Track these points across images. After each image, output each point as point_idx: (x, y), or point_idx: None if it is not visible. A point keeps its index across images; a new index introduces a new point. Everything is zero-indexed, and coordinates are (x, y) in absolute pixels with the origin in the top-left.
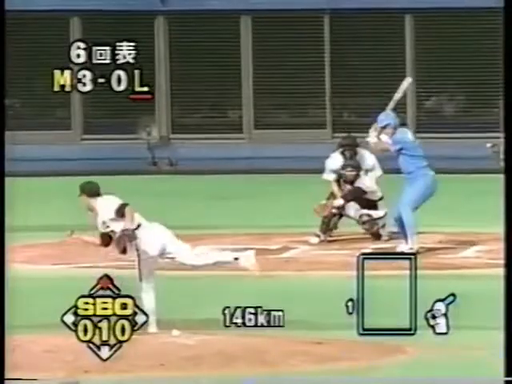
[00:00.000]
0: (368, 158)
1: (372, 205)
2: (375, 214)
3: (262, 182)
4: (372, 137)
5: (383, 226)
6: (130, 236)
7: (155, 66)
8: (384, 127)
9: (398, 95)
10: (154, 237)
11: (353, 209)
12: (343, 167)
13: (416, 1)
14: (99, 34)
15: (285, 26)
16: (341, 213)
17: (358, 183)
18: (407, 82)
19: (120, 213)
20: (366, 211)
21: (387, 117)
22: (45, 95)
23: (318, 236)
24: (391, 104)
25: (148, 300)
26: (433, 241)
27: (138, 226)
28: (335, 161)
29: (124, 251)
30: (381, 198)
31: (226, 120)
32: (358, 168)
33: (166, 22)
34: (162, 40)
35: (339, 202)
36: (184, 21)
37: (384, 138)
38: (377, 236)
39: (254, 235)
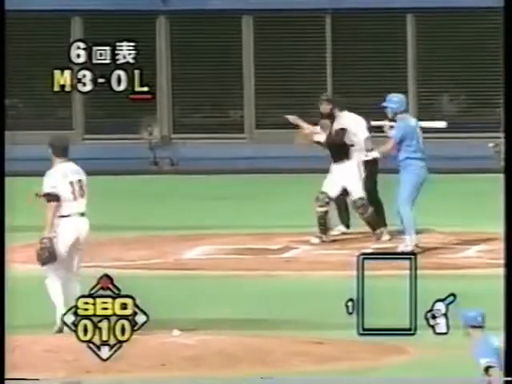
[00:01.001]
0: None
1: (345, 151)
2: (355, 192)
3: (264, 182)
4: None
5: (384, 226)
6: (47, 248)
7: (156, 66)
8: (390, 107)
9: (424, 123)
10: (69, 232)
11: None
12: (320, 103)
13: (417, 0)
14: (100, 34)
15: (286, 25)
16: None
17: (337, 123)
18: (441, 124)
19: (47, 199)
20: (358, 195)
21: (396, 99)
22: (46, 95)
23: (320, 237)
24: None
25: (55, 291)
26: (434, 240)
27: (68, 215)
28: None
29: (44, 263)
30: (352, 145)
31: (228, 120)
32: (332, 101)
33: (168, 21)
34: (163, 40)
35: (320, 138)
36: (185, 21)
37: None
38: (371, 223)
39: (255, 235)
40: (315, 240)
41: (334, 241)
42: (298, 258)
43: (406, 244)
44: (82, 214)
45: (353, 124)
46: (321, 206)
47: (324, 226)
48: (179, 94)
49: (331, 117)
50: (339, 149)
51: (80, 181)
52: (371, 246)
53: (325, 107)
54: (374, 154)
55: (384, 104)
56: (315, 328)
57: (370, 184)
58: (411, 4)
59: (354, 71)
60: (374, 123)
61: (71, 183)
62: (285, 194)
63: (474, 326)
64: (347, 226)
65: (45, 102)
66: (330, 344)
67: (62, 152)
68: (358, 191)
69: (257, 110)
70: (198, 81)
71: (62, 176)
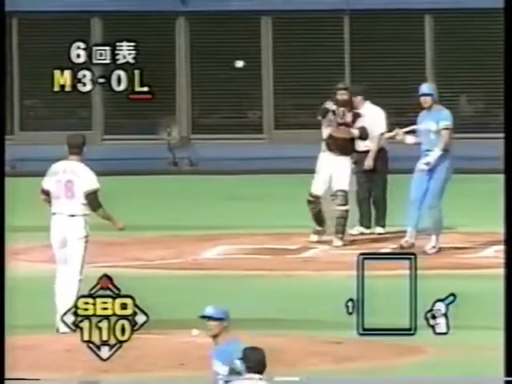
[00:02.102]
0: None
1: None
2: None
3: (282, 183)
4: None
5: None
6: None
7: (176, 67)
8: (425, 95)
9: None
10: (52, 229)
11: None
12: (335, 92)
13: (435, 1)
14: (119, 35)
15: (305, 26)
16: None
17: (359, 122)
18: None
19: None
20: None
21: (429, 88)
22: (66, 96)
23: (341, 238)
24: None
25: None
26: (450, 240)
27: (53, 213)
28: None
29: None
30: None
31: (246, 120)
32: (347, 88)
33: (187, 22)
34: (182, 41)
35: (355, 132)
36: (205, 21)
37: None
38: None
39: (274, 235)
40: (337, 243)
41: (352, 241)
42: (316, 258)
43: (433, 245)
44: (71, 215)
45: (372, 115)
46: (342, 205)
47: (343, 226)
48: (198, 94)
49: (348, 105)
50: (347, 143)
51: (69, 181)
52: (389, 246)
53: (342, 97)
54: (436, 154)
55: (429, 91)
56: (333, 328)
57: (380, 182)
58: (429, 5)
59: (372, 72)
60: (388, 135)
61: (58, 182)
62: (303, 194)
63: (211, 319)
64: (367, 227)
65: (64, 102)
66: (349, 343)
67: (74, 150)
68: (342, 183)
69: (275, 110)
70: (216, 81)
71: (52, 173)
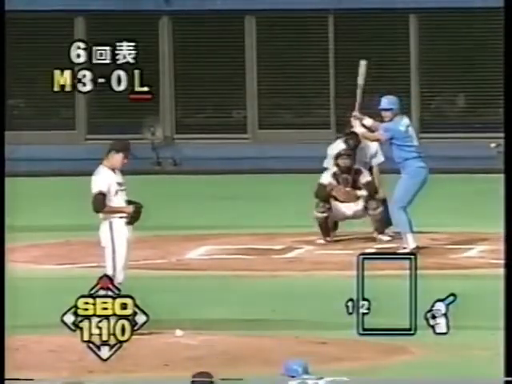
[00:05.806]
0: (371, 146)
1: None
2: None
3: (266, 182)
4: (357, 126)
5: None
6: None
7: (159, 67)
8: (384, 110)
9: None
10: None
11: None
12: (337, 156)
13: (419, 1)
14: (103, 35)
15: (289, 26)
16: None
17: (363, 178)
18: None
19: None
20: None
21: (389, 102)
22: (49, 95)
23: (325, 239)
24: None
25: None
26: (436, 242)
27: None
28: (338, 147)
29: None
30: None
31: (230, 120)
32: (353, 156)
33: (170, 22)
34: (166, 40)
35: (363, 193)
36: (188, 21)
37: (369, 122)
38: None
39: (259, 235)
40: (321, 240)
41: (337, 241)
42: (302, 258)
43: (403, 246)
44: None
45: (368, 144)
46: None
47: (325, 228)
48: (182, 94)
49: (351, 171)
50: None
51: None
52: (374, 246)
53: (344, 161)
54: (357, 130)
55: (388, 106)
56: (319, 328)
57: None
58: (413, 4)
59: (356, 71)
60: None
61: None
62: (288, 194)
63: (293, 377)
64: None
65: (47, 102)
66: (334, 344)
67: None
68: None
69: (259, 110)
70: (200, 81)
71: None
